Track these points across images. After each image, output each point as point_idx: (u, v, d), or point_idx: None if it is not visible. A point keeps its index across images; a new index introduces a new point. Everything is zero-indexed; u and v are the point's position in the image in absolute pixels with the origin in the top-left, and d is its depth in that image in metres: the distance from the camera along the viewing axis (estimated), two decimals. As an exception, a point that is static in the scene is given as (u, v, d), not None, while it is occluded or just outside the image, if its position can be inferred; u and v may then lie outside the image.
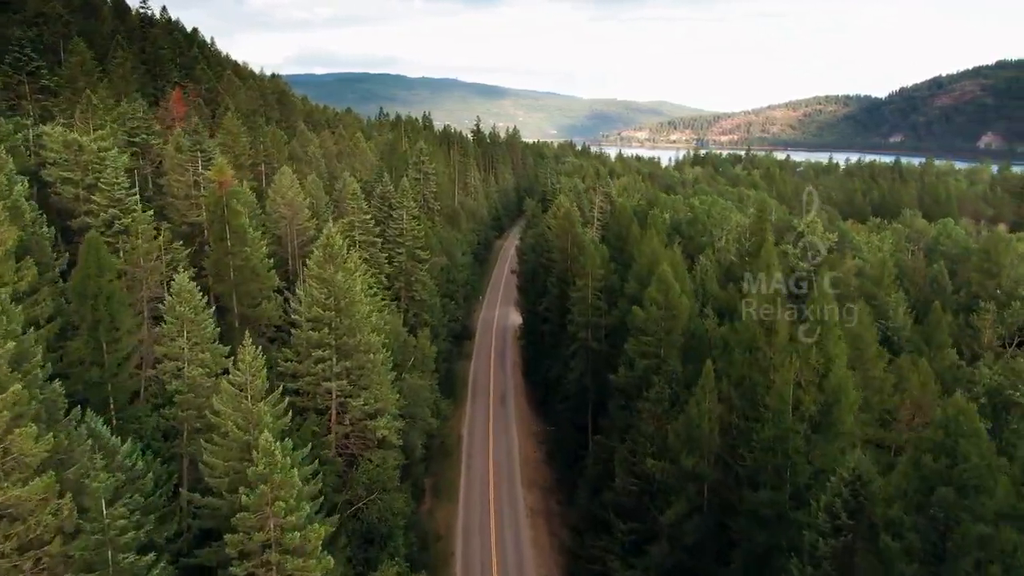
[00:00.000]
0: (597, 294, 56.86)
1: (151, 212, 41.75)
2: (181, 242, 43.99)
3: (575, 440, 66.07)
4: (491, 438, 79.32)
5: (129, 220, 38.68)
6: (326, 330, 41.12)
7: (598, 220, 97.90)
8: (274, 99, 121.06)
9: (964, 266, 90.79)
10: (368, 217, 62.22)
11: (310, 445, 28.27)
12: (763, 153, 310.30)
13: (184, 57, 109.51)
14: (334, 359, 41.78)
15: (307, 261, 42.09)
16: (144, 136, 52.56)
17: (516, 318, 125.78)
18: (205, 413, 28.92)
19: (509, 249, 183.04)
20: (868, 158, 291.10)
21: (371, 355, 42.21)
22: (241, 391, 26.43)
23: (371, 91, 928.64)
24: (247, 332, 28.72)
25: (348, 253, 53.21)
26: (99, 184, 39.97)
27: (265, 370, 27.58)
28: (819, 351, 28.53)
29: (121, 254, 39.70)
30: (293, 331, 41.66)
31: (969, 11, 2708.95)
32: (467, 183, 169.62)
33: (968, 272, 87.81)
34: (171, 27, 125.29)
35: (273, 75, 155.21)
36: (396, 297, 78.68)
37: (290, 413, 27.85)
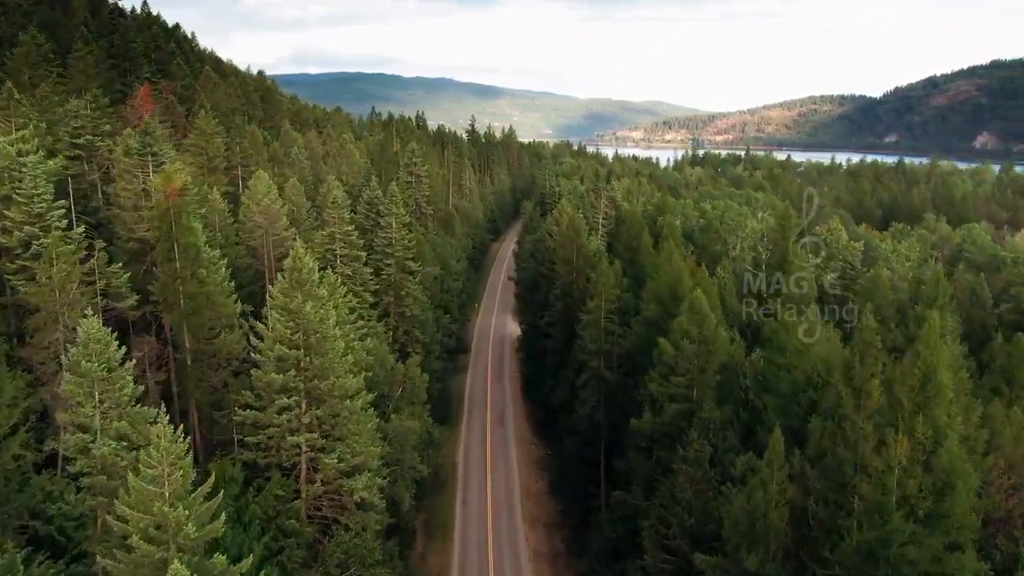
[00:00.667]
0: (610, 316, 49.59)
1: (81, 229, 34.26)
2: (121, 264, 36.49)
3: (583, 474, 58.69)
4: (489, 465, 72.01)
5: (50, 240, 31.17)
6: (292, 372, 33.72)
7: (603, 227, 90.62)
8: (257, 97, 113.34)
9: (996, 276, 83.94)
10: (351, 228, 54.72)
11: (250, 561, 20.81)
12: (763, 153, 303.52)
13: (160, 52, 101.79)
14: (303, 406, 34.40)
15: (270, 287, 34.64)
16: (90, 137, 45.04)
17: (514, 327, 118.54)
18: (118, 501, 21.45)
19: (506, 253, 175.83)
20: (870, 158, 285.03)
21: (347, 401, 34.81)
22: (156, 488, 19.11)
23: (366, 91, 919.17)
24: (163, 409, 21.23)
25: (326, 271, 45.84)
26: (15, 196, 32.51)
27: (189, 457, 20.10)
28: (925, 419, 21.43)
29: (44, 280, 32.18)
30: (253, 372, 34.25)
31: (965, 11, 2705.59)
32: (462, 185, 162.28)
33: (1000, 283, 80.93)
34: (149, 21, 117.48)
35: (260, 72, 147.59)
36: (384, 313, 71.31)
37: (223, 516, 20.43)
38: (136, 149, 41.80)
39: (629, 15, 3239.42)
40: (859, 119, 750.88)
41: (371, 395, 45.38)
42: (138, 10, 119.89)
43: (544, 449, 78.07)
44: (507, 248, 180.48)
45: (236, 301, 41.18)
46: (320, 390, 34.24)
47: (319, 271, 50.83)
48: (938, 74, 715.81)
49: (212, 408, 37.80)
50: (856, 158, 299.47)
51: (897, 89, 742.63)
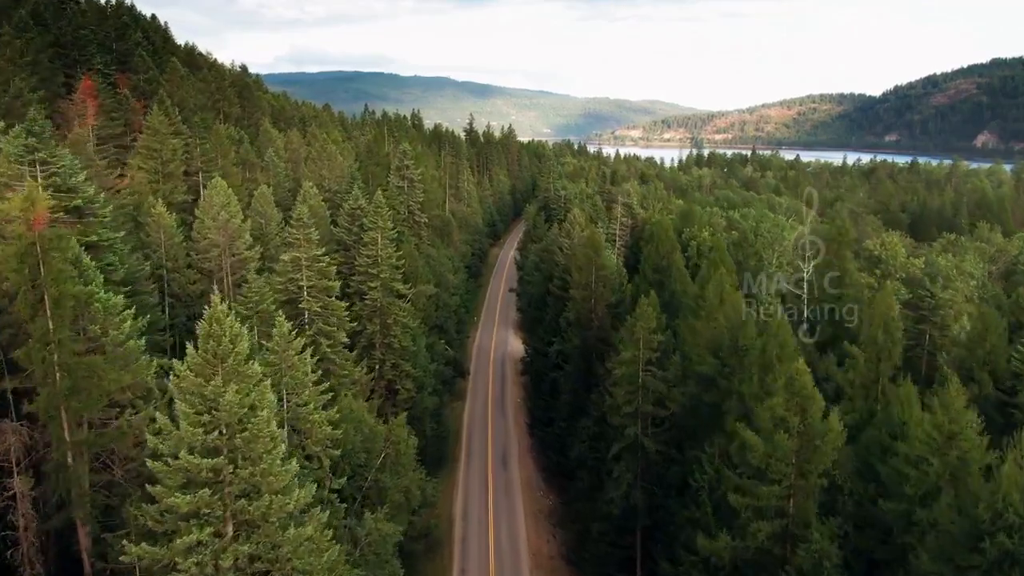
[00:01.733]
0: (649, 368, 38.26)
1: None
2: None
3: (611, 555, 47.23)
4: (491, 522, 60.82)
5: None
6: (208, 491, 22.34)
7: (619, 237, 79.15)
8: (234, 93, 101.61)
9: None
10: (321, 252, 43.15)
11: None
12: (769, 152, 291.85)
13: (123, 43, 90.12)
14: (226, 535, 23.03)
15: (174, 368, 23.11)
16: (-32, 140, 33.71)
17: (516, 344, 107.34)
18: None
19: (506, 259, 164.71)
20: (879, 157, 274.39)
21: (291, 528, 23.41)
22: None
23: (363, 90, 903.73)
24: None
25: (279, 314, 34.41)
26: None
27: None
28: None
29: None
30: (151, 488, 22.86)
31: (963, 10, 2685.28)
32: (459, 187, 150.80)
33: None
34: (119, 10, 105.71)
35: (242, 67, 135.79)
36: (369, 345, 60.03)
37: None
38: (16, 155, 30.36)
39: (627, 14, 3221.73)
40: (858, 118, 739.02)
41: (340, 479, 34.13)
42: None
43: (555, 498, 66.99)
44: (508, 253, 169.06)
45: (153, 360, 29.65)
46: (250, 514, 22.87)
47: (276, 308, 39.64)
48: (938, 72, 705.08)
49: (106, 523, 26.39)
50: (865, 157, 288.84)
51: (897, 88, 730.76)
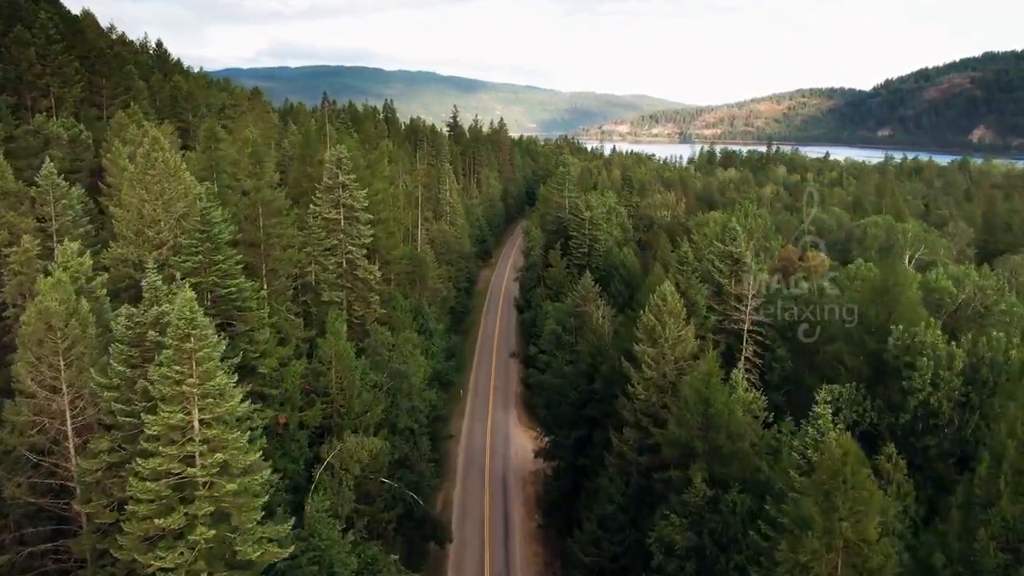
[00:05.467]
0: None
1: None
2: None
3: None
4: None
5: None
6: None
7: (747, 345, 40.01)
8: (77, 65, 61.45)
9: None
10: None
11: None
12: (789, 149, 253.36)
13: None
14: None
15: None
16: None
17: (522, 442, 68.99)
18: None
19: (501, 285, 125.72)
20: (911, 155, 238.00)
21: None
22: None
23: (346, 84, 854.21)
24: None
25: None
26: None
27: None
28: None
29: None
30: None
31: (953, 4, 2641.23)
32: (440, 200, 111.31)
33: None
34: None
35: (110, 28, 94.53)
36: None
37: None
38: None
39: (614, 9, 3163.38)
40: (849, 113, 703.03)
41: None
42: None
43: None
44: (503, 277, 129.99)
45: None
46: None
47: None
48: (929, 67, 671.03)
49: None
50: (863, 153, 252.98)
51: (888, 82, 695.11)
